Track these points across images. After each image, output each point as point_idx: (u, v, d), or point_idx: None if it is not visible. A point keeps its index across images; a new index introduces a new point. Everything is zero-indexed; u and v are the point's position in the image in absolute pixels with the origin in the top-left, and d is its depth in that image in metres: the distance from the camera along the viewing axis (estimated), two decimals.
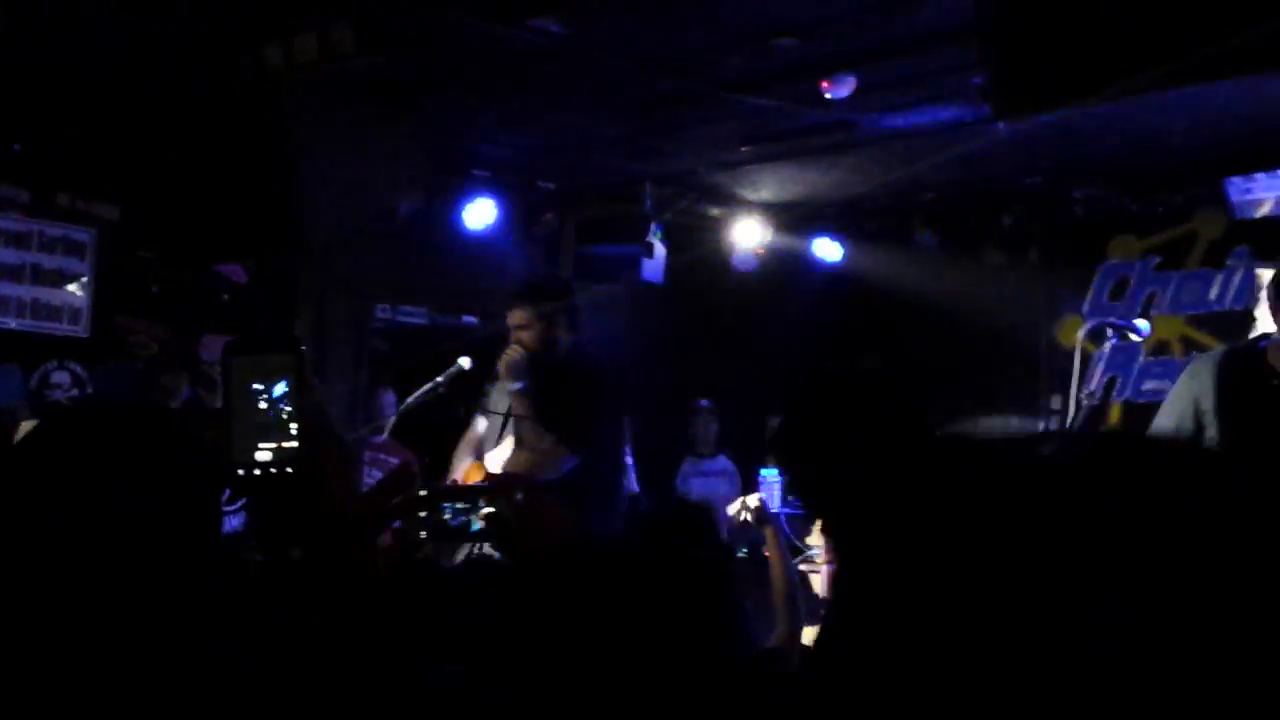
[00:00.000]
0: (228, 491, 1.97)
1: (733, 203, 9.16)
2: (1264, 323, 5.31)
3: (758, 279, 9.46)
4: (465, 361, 6.67)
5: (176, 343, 7.95)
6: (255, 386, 1.80)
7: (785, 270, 9.65)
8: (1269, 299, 5.03)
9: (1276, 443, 5.01)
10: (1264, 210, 7.73)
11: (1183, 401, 5.33)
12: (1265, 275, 5.28)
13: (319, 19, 5.49)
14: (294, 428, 1.78)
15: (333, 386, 8.11)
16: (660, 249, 8.78)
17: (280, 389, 1.79)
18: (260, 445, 1.80)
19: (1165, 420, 5.40)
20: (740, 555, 6.90)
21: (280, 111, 5.97)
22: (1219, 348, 5.69)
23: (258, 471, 1.80)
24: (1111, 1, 4.46)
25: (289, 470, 1.79)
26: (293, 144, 6.09)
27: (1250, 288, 8.52)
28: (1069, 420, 6.09)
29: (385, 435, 8.04)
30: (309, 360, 1.98)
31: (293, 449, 1.78)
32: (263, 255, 7.84)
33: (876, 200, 9.03)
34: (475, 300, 9.12)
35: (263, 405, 1.79)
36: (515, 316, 5.84)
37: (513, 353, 5.78)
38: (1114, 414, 9.12)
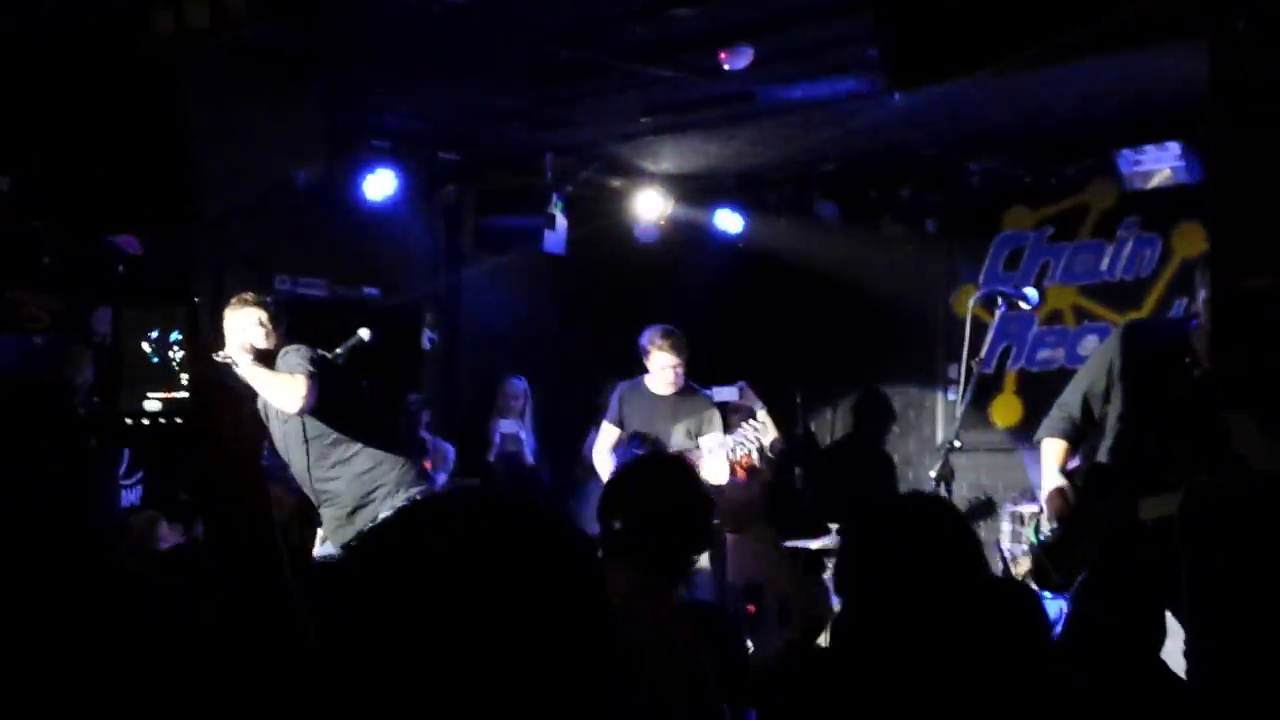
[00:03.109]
0: (125, 463, 1.97)
1: (634, 174, 9.17)
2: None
3: (660, 250, 9.49)
4: (365, 333, 6.65)
5: (70, 315, 7.82)
6: (147, 337, 1.79)
7: (687, 241, 9.69)
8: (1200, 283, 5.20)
9: (1174, 420, 5.17)
10: (1153, 182, 7.88)
11: (1099, 365, 5.49)
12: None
13: None
14: (184, 379, 1.77)
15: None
16: (562, 220, 8.77)
17: (172, 340, 1.78)
18: (150, 395, 1.79)
19: (1080, 380, 5.57)
20: None
21: (173, 80, 5.88)
22: (1150, 318, 5.79)
23: (146, 421, 1.79)
24: None
25: (178, 420, 1.78)
26: (186, 113, 6.01)
27: (1139, 258, 8.71)
28: (961, 387, 6.18)
29: None
30: (203, 312, 1.97)
31: (183, 399, 1.77)
32: (157, 226, 7.73)
33: (776, 171, 9.08)
34: (375, 272, 9.07)
35: (153, 356, 1.79)
36: None
37: None
38: (1009, 382, 9.27)
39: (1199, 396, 5.13)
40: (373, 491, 6.09)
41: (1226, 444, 3.86)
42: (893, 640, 2.57)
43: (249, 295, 6.31)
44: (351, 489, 6.10)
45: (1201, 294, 4.99)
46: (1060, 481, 5.36)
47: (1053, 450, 5.52)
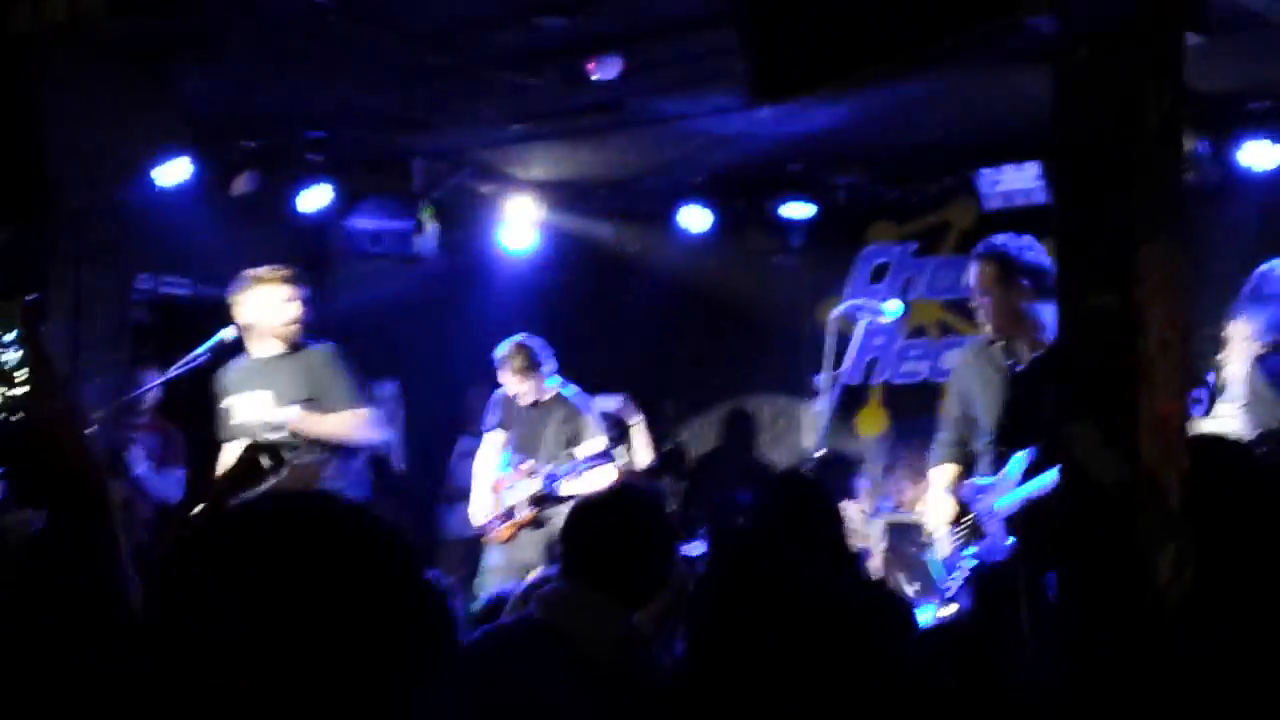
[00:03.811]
0: None
1: (505, 180, 9.16)
2: None
3: (530, 257, 9.49)
4: (229, 332, 6.57)
5: None
6: None
7: (558, 249, 9.70)
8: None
9: (1025, 422, 5.38)
10: (1013, 201, 8.07)
11: (954, 395, 5.81)
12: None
13: None
14: (20, 375, 1.76)
15: (93, 358, 7.87)
16: (432, 225, 8.74)
17: (8, 338, 1.77)
18: None
19: (948, 411, 5.82)
20: None
21: (32, 71, 5.75)
22: (969, 340, 6.06)
23: None
24: None
25: (16, 418, 1.77)
26: (45, 105, 5.88)
27: None
28: (825, 397, 6.31)
29: (147, 411, 7.85)
30: (37, 309, 1.95)
31: (21, 396, 1.76)
32: (14, 222, 7.55)
33: (646, 181, 9.13)
34: (240, 271, 8.93)
35: None
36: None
37: None
38: (874, 394, 9.42)
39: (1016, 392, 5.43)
40: None
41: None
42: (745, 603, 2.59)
43: (265, 271, 6.21)
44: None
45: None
46: (942, 500, 5.61)
47: (936, 476, 5.81)
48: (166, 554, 1.42)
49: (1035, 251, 5.56)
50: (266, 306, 6.28)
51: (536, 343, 7.70)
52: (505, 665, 3.38)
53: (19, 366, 1.79)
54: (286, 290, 6.30)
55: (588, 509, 3.77)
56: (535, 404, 7.70)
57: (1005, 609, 4.00)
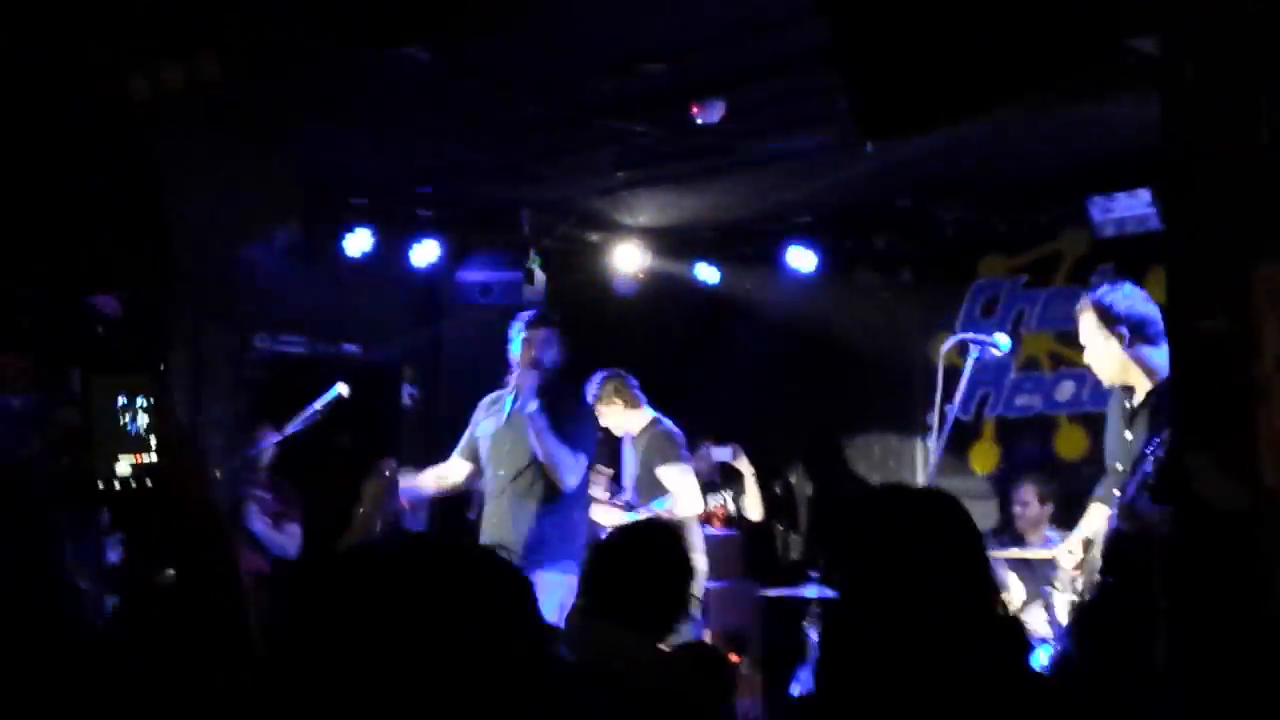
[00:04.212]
0: (106, 517, 2.02)
1: (611, 227, 9.23)
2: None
3: (638, 302, 9.53)
4: (342, 387, 6.69)
5: (50, 376, 7.81)
6: (115, 403, 1.84)
7: (665, 293, 9.73)
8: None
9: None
10: (1125, 229, 7.94)
11: (1111, 433, 5.75)
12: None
13: (185, 48, 5.46)
14: (153, 442, 1.83)
15: (213, 416, 8.04)
16: (540, 275, 8.83)
17: (139, 405, 1.84)
18: (120, 459, 1.84)
19: (1108, 450, 5.82)
20: None
21: (147, 140, 5.93)
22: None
23: (118, 485, 1.84)
24: (964, 27, 4.59)
25: (148, 484, 1.83)
26: (162, 173, 6.05)
27: None
28: (936, 433, 6.26)
29: (264, 468, 7.99)
30: (167, 377, 2.02)
31: (152, 463, 1.83)
32: (135, 287, 7.75)
33: (752, 223, 9.14)
34: (354, 329, 9.09)
35: (122, 421, 1.84)
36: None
37: None
38: (986, 429, 9.31)
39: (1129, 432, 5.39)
40: None
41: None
42: (883, 631, 2.56)
43: (531, 316, 6.78)
44: None
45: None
46: (1079, 540, 5.55)
47: (1090, 516, 5.75)
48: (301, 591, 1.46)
49: (1134, 299, 5.59)
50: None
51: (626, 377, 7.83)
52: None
53: (148, 435, 1.86)
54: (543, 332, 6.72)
55: (603, 549, 3.87)
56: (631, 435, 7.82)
57: (1111, 645, 3.92)
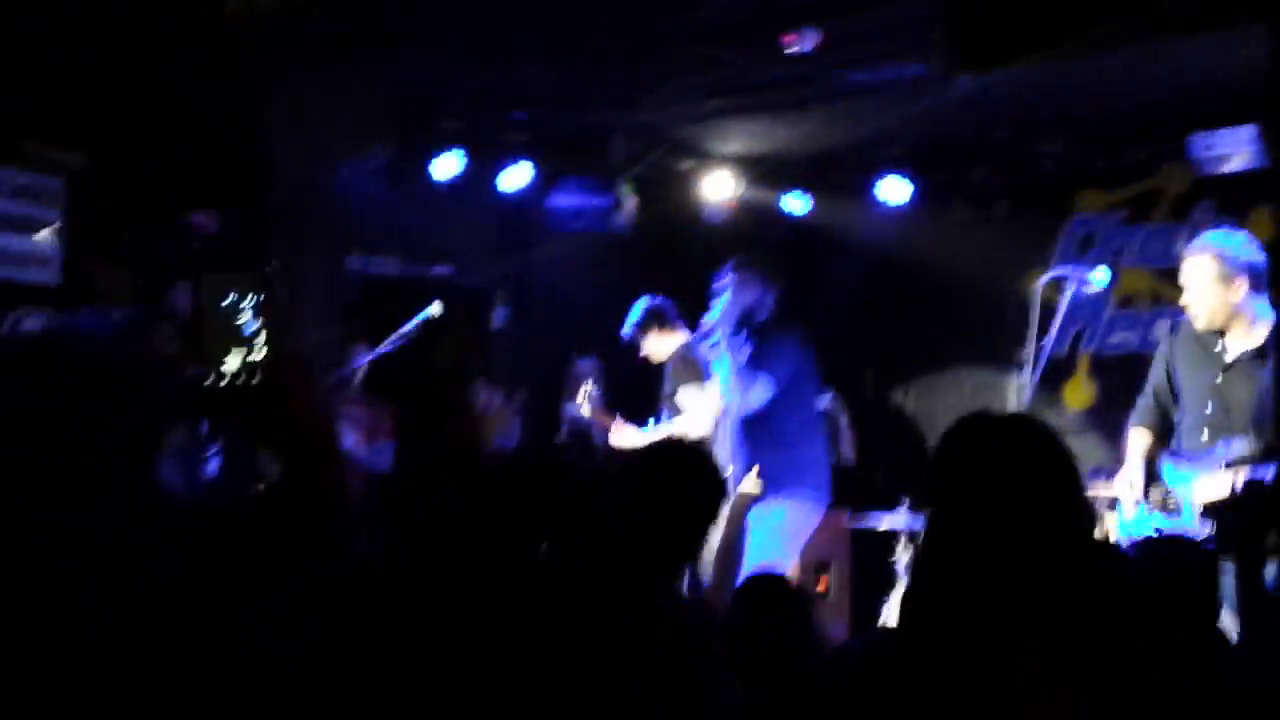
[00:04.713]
0: (205, 426, 2.07)
1: (702, 156, 9.17)
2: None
3: (727, 231, 9.49)
4: (436, 307, 6.74)
5: (148, 291, 7.95)
6: (224, 302, 1.87)
7: (755, 224, 9.67)
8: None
9: (1236, 410, 5.31)
10: (1227, 166, 7.78)
11: (1162, 364, 5.77)
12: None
13: None
14: (260, 340, 1.86)
15: (307, 336, 8.14)
16: (630, 201, 8.81)
17: (248, 304, 1.87)
18: (227, 356, 1.87)
19: (1155, 376, 5.89)
20: None
21: (242, 61, 5.98)
22: (1184, 317, 5.92)
23: (224, 382, 1.88)
24: None
25: (254, 380, 1.87)
26: (254, 94, 6.10)
27: None
28: (1031, 369, 6.21)
29: (357, 388, 8.09)
30: (278, 277, 2.04)
31: (258, 360, 1.86)
32: (230, 206, 7.85)
33: (845, 154, 9.04)
34: (446, 252, 9.14)
35: (231, 319, 1.87)
36: None
37: None
38: (1081, 365, 9.19)
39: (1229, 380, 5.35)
40: None
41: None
42: (976, 554, 2.55)
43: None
44: None
45: None
46: (1136, 465, 5.51)
47: (1135, 439, 5.81)
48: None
49: (1250, 247, 5.53)
50: None
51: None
52: None
53: (257, 332, 1.89)
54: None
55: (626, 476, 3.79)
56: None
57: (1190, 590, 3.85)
